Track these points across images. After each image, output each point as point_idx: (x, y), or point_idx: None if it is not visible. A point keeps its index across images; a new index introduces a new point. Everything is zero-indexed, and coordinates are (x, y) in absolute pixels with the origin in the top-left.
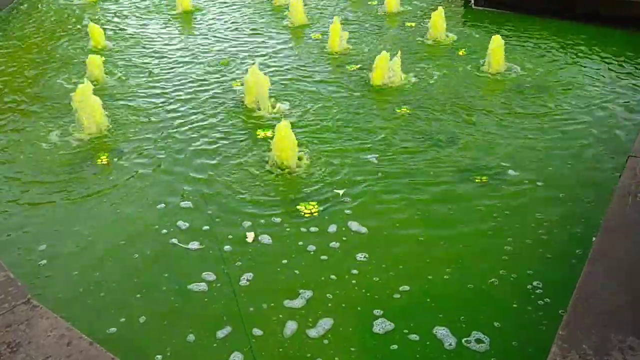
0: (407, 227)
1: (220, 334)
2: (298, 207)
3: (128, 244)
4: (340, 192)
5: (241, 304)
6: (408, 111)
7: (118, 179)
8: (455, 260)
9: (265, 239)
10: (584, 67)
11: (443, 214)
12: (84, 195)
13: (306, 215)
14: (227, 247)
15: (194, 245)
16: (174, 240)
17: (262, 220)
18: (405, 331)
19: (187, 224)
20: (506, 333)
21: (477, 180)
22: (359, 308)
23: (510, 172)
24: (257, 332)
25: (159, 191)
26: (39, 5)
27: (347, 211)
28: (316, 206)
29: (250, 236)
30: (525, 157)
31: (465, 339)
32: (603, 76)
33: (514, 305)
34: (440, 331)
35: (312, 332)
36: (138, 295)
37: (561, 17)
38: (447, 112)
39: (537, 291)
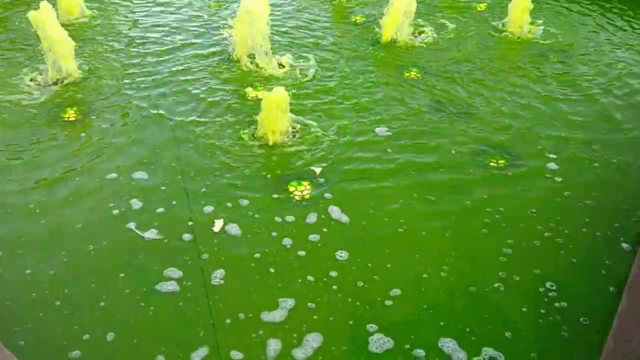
0: (397, 218)
1: (196, 356)
2: (287, 186)
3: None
4: (317, 170)
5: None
6: (418, 75)
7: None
8: (453, 256)
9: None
10: (614, 34)
11: (448, 203)
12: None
13: (296, 198)
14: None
15: (152, 233)
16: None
17: (244, 201)
18: (407, 346)
19: (143, 204)
20: (520, 343)
21: (492, 164)
22: (350, 322)
23: (528, 155)
24: (236, 355)
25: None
26: None
27: (327, 195)
28: (308, 187)
29: (217, 224)
30: (546, 137)
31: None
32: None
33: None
34: (447, 344)
35: (299, 353)
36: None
37: None
38: (461, 79)
39: (551, 294)
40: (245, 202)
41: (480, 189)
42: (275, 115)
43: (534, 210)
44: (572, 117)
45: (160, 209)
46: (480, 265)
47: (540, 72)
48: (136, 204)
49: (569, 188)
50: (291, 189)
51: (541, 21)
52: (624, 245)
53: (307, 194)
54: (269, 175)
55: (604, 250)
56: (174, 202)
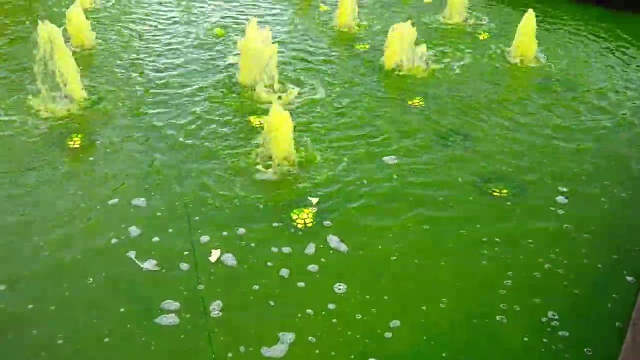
0: (397, 248)
1: None
2: (289, 215)
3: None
4: (314, 200)
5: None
6: (422, 103)
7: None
8: (453, 287)
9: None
10: (621, 67)
11: (448, 234)
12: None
13: (298, 226)
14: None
15: (150, 264)
16: (130, 255)
17: (241, 230)
18: None
19: (142, 232)
20: None
21: (495, 194)
22: (352, 356)
23: (532, 184)
24: None
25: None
26: None
27: (327, 223)
28: (310, 216)
29: (214, 254)
30: (550, 166)
31: None
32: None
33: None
34: None
35: None
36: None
37: (598, 2)
38: (465, 108)
39: (553, 323)
40: (242, 230)
41: (481, 219)
42: (279, 138)
43: (533, 242)
44: (577, 149)
45: (157, 238)
46: (480, 296)
47: (545, 103)
48: (135, 231)
49: (571, 220)
50: (294, 217)
51: (546, 52)
52: (629, 278)
53: (310, 222)
54: (270, 203)
55: (607, 282)
56: (171, 230)
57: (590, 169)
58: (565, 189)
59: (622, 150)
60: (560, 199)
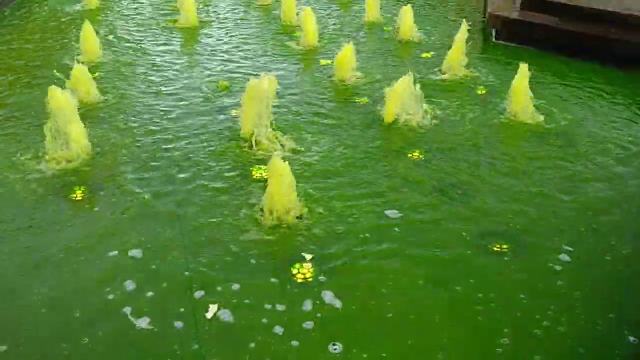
0: (393, 305)
1: None
2: (288, 269)
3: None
4: (308, 256)
5: None
6: (421, 157)
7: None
8: (448, 346)
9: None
10: (617, 118)
11: (445, 289)
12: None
13: (299, 281)
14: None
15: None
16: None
17: (236, 285)
18: None
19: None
20: None
21: (495, 249)
22: None
23: (532, 239)
24: None
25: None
26: (31, 11)
27: (322, 278)
28: (310, 270)
29: (211, 309)
30: (551, 222)
31: None
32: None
33: None
34: None
35: None
36: None
37: (595, 58)
38: (465, 162)
39: None
40: (237, 286)
41: (478, 274)
42: (278, 191)
43: (531, 298)
44: (578, 204)
45: (151, 293)
46: (477, 355)
47: (545, 157)
48: (130, 285)
49: (572, 276)
50: (294, 271)
51: (543, 106)
52: (631, 338)
53: (309, 277)
54: (266, 258)
55: (611, 341)
56: (165, 285)
57: (592, 224)
58: (567, 246)
59: (627, 204)
60: (562, 255)
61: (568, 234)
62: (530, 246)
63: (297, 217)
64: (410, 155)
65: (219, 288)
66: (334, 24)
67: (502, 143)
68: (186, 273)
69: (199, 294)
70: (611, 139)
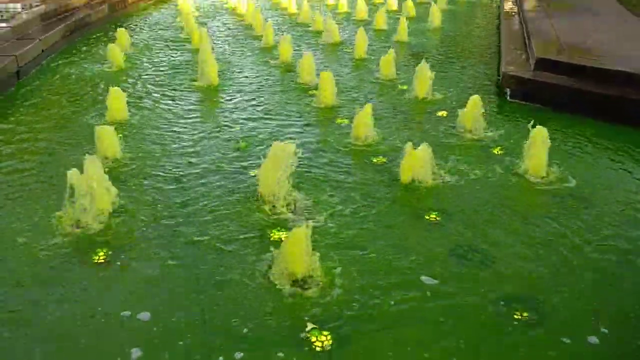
0: None
1: None
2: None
3: None
4: (309, 326)
5: None
6: (438, 218)
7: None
8: None
9: None
10: (636, 180)
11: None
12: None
13: (317, 349)
14: None
15: None
16: None
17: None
18: None
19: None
20: None
21: (516, 316)
22: None
23: (555, 307)
24: None
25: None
26: (56, 74)
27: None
28: (329, 337)
29: None
30: (571, 288)
31: None
32: None
33: None
34: None
35: None
36: None
37: (610, 118)
38: (481, 223)
39: None
40: (240, 354)
41: (499, 345)
42: (296, 254)
43: None
44: (602, 270)
45: None
46: None
47: (563, 220)
48: (136, 353)
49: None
50: (312, 339)
51: (561, 166)
52: None
53: (328, 345)
54: (280, 325)
55: None
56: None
57: (616, 293)
58: (592, 316)
59: None
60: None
61: (589, 298)
62: (553, 312)
63: (313, 282)
64: (427, 217)
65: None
66: (351, 83)
67: (519, 204)
68: (205, 337)
69: None
70: (632, 201)
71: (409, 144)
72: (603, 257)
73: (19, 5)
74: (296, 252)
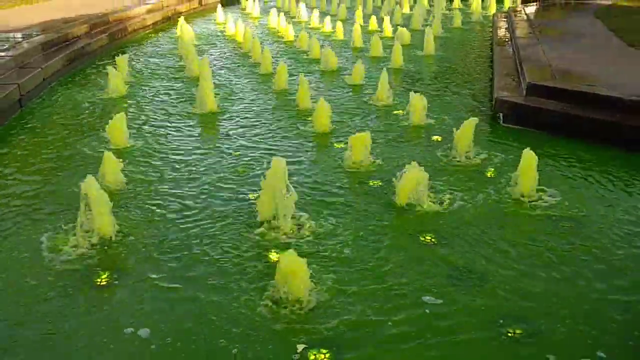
0: None
1: None
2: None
3: None
4: (300, 347)
5: None
6: (433, 240)
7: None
8: None
9: None
10: (628, 206)
11: None
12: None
13: None
14: None
15: None
16: None
17: None
18: None
19: None
20: None
21: (509, 334)
22: None
23: (549, 327)
24: None
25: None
26: (56, 103)
27: None
28: (327, 355)
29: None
30: (564, 308)
31: None
32: None
33: None
34: None
35: None
36: None
37: (604, 142)
38: (475, 246)
39: None
40: None
41: None
42: (292, 278)
43: None
44: (598, 293)
45: None
46: None
47: (557, 242)
48: None
49: None
50: (311, 357)
51: (553, 189)
52: None
53: None
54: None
55: None
56: None
57: (615, 315)
58: (589, 340)
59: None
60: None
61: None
62: (552, 333)
63: (307, 307)
64: (422, 239)
65: None
66: (346, 108)
67: (512, 226)
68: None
69: None
70: (624, 222)
71: (405, 167)
72: (596, 278)
73: (19, 35)
74: (291, 275)
